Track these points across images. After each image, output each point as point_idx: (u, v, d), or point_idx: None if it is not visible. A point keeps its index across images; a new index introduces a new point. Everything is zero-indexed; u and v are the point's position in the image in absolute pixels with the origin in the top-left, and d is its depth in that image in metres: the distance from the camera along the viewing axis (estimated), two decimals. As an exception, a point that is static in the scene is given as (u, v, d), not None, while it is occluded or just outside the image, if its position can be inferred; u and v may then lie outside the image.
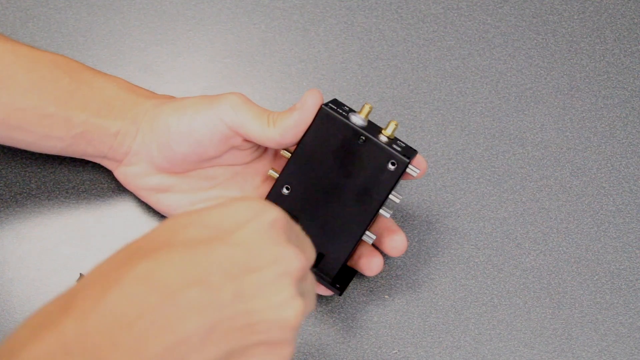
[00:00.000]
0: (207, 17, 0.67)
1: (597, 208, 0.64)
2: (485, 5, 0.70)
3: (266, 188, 0.58)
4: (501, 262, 0.62)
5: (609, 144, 0.66)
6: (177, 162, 0.55)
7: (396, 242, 0.56)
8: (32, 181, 0.61)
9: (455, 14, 0.69)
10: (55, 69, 0.54)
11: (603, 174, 0.65)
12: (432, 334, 0.60)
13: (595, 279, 0.62)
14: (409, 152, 0.53)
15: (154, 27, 0.67)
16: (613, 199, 0.65)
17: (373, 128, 0.54)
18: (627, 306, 0.61)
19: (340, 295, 0.56)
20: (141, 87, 0.58)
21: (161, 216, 0.60)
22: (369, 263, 0.56)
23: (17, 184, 0.60)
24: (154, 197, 0.58)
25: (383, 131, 0.53)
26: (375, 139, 0.52)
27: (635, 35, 0.70)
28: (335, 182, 0.54)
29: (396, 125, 0.53)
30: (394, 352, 0.59)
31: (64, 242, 0.59)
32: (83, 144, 0.55)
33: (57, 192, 0.61)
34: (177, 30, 0.67)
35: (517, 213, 0.64)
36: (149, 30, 0.66)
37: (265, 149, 0.59)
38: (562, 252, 0.63)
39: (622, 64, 0.69)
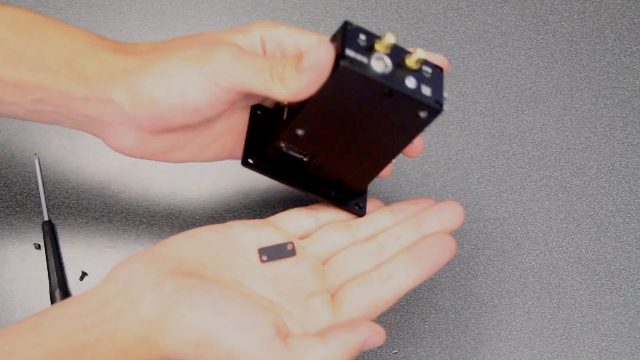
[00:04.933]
0: (207, 17, 0.67)
1: (597, 208, 0.64)
2: (485, 5, 0.70)
3: None
4: (501, 262, 0.62)
5: (609, 144, 0.66)
6: (177, 128, 0.48)
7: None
8: (32, 181, 0.61)
9: (455, 14, 0.69)
10: None
11: (603, 174, 0.65)
12: (432, 334, 0.60)
13: (595, 279, 0.62)
14: (437, 86, 0.46)
15: (154, 27, 0.67)
16: (613, 199, 0.65)
17: (398, 64, 0.45)
18: (627, 306, 0.61)
19: (362, 216, 0.52)
20: (106, 39, 0.49)
21: (165, 214, 0.60)
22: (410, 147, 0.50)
23: (17, 184, 0.60)
24: (166, 156, 0.50)
25: (407, 60, 0.45)
26: (404, 91, 0.44)
27: (635, 35, 0.70)
28: (356, 128, 0.48)
29: (422, 55, 0.45)
30: (394, 352, 0.59)
31: (64, 241, 0.59)
32: (49, 111, 0.48)
33: (57, 192, 0.61)
34: (177, 31, 0.67)
35: (517, 213, 0.63)
36: (149, 30, 0.66)
37: None
38: (562, 252, 0.63)
39: (622, 64, 0.69)
